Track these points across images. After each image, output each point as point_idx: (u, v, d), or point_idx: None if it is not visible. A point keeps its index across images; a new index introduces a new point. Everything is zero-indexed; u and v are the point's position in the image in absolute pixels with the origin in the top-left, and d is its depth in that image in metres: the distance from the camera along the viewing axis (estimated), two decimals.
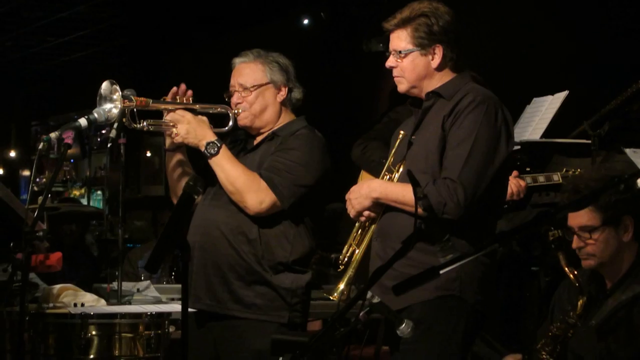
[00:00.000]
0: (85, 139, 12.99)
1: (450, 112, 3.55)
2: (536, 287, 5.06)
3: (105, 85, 3.93)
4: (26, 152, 14.65)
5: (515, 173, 4.69)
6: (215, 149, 4.00)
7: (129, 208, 9.49)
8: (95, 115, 4.09)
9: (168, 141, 4.18)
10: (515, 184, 4.60)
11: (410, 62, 3.66)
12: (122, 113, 3.90)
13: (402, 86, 3.72)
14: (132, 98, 3.91)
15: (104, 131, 12.04)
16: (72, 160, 13.69)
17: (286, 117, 4.23)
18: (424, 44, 3.63)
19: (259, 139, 4.23)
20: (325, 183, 4.10)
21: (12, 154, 14.97)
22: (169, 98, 4.09)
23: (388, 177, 3.68)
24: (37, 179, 12.59)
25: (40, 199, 4.02)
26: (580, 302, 3.61)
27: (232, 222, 4.04)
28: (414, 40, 3.63)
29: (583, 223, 3.62)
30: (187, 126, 4.01)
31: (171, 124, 4.03)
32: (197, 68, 10.50)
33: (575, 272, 3.64)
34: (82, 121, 4.04)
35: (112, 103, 3.91)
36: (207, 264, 4.05)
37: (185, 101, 4.10)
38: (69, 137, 3.96)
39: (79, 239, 8.22)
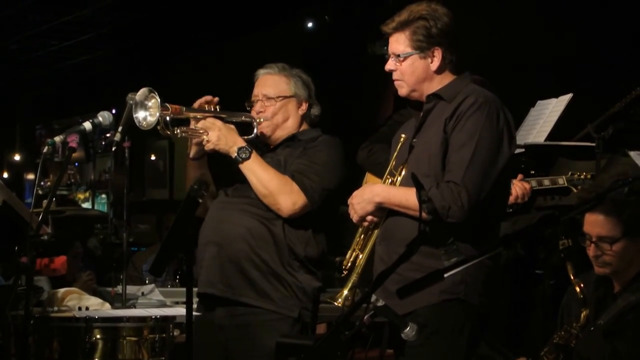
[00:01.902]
0: (90, 142, 13.00)
1: (452, 114, 3.54)
2: (541, 291, 5.05)
3: (142, 92, 3.96)
4: (31, 156, 14.66)
5: (520, 176, 4.68)
6: (247, 153, 4.05)
7: (134, 211, 9.49)
8: (100, 118, 4.11)
9: (193, 150, 4.21)
10: (520, 187, 4.59)
11: (410, 66, 3.65)
12: (158, 121, 3.93)
13: (402, 90, 3.71)
14: (168, 106, 3.95)
15: (108, 134, 12.06)
16: (76, 164, 13.70)
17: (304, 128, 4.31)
18: (422, 47, 3.62)
19: (277, 141, 4.27)
20: (342, 189, 4.15)
21: (17, 157, 15.00)
22: (196, 105, 4.13)
23: (390, 180, 3.67)
24: (42, 183, 12.63)
25: (44, 202, 4.03)
26: (583, 314, 3.62)
27: (249, 220, 4.09)
28: (413, 43, 3.62)
29: (604, 233, 3.61)
30: (219, 133, 4.06)
31: (201, 131, 4.07)
32: (202, 71, 10.51)
33: (582, 285, 3.64)
34: (87, 125, 4.06)
35: (147, 111, 3.96)
36: (223, 256, 4.08)
37: (212, 109, 4.14)
38: (73, 140, 3.98)
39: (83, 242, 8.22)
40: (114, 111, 4.27)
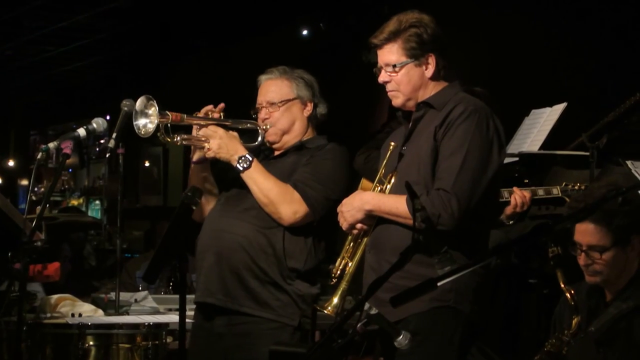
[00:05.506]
0: (84, 148, 13.00)
1: (442, 122, 3.54)
2: (534, 299, 5.05)
3: (141, 100, 3.95)
4: (25, 162, 14.65)
5: (515, 189, 4.66)
6: (248, 163, 4.04)
7: (127, 218, 9.49)
8: (94, 125, 4.11)
9: (195, 154, 4.20)
10: (520, 195, 4.55)
11: (406, 75, 3.64)
12: (157, 128, 3.92)
13: (397, 100, 3.70)
14: (168, 113, 3.94)
15: (102, 141, 12.07)
16: (70, 170, 13.70)
17: (311, 133, 4.29)
18: (417, 54, 3.62)
19: (285, 146, 4.26)
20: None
21: (11, 163, 14.98)
22: (201, 114, 4.12)
23: (379, 188, 3.66)
24: (36, 189, 12.62)
25: (38, 208, 4.03)
26: (574, 321, 3.62)
27: (249, 230, 4.07)
28: (407, 52, 3.62)
29: (593, 242, 3.60)
30: (220, 141, 4.04)
31: (203, 138, 4.07)
32: (197, 78, 10.52)
33: (572, 292, 3.64)
34: (81, 131, 4.06)
35: (147, 118, 3.95)
36: (222, 264, 4.06)
37: (216, 117, 4.13)
38: (67, 146, 3.97)
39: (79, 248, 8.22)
40: (108, 118, 4.26)
